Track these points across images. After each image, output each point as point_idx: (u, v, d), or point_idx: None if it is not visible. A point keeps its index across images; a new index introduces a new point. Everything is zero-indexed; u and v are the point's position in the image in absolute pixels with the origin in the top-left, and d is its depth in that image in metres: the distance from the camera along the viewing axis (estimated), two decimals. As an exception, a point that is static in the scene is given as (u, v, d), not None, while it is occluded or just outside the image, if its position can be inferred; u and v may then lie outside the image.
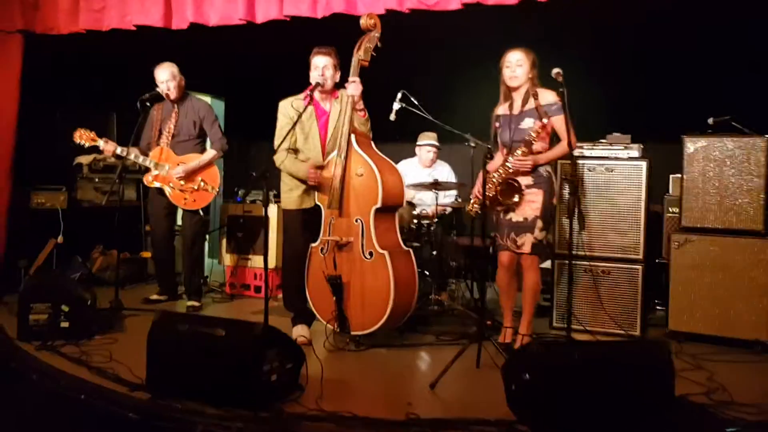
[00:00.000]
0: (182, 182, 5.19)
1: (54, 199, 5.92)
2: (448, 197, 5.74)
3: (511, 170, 4.00)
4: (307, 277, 4.27)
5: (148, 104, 5.09)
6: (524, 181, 4.05)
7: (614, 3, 4.29)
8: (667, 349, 2.98)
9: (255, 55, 7.17)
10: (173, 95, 5.22)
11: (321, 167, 4.16)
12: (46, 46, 5.51)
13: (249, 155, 8.16)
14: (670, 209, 5.40)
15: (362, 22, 4.09)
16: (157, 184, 5.23)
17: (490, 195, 4.01)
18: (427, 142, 5.87)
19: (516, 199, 3.96)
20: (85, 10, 5.12)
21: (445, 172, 5.93)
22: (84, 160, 6.24)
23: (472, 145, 5.15)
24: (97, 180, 6.30)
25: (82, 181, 6.26)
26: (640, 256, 4.66)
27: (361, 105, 4.14)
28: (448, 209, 5.74)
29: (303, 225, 4.31)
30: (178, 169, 5.15)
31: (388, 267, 3.93)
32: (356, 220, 4.06)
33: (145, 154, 5.26)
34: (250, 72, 7.59)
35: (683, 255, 4.55)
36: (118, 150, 5.13)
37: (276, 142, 4.21)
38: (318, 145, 4.27)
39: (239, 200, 6.03)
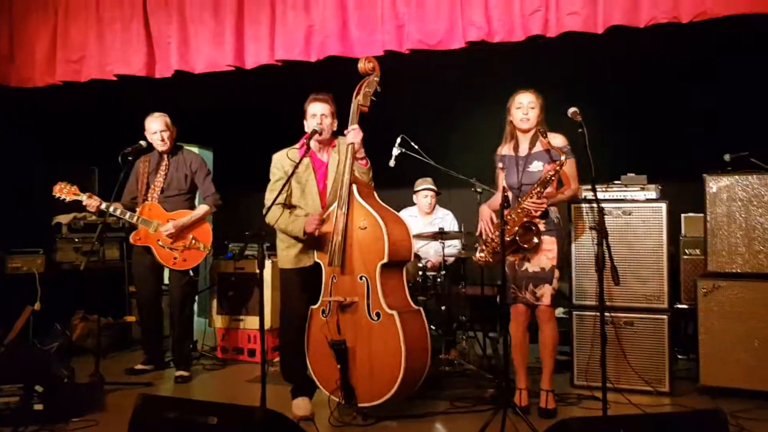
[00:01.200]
0: (171, 240, 4.81)
1: (30, 263, 5.53)
2: (451, 246, 5.40)
3: (526, 213, 3.73)
4: (308, 343, 3.88)
5: (130, 158, 4.74)
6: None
7: (621, 40, 4.05)
8: (723, 421, 2.61)
9: (244, 102, 6.93)
10: (165, 147, 4.90)
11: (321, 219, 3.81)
12: (20, 98, 5.19)
13: (239, 208, 7.80)
14: (687, 251, 5.14)
15: (360, 65, 3.82)
16: (152, 243, 4.86)
17: (507, 239, 3.69)
18: (423, 186, 5.57)
19: (536, 241, 3.72)
20: (63, 61, 4.84)
21: (448, 220, 5.61)
22: (63, 219, 5.87)
23: (479, 190, 4.88)
24: (77, 240, 5.92)
25: (61, 242, 5.88)
26: (665, 305, 4.33)
27: (362, 153, 3.83)
28: (451, 259, 5.39)
29: (302, 285, 3.95)
30: (168, 226, 4.79)
31: (397, 329, 3.56)
32: (360, 278, 3.70)
33: (131, 209, 4.89)
34: (240, 120, 7.32)
35: (712, 302, 4.25)
36: (103, 206, 4.77)
37: (268, 197, 3.87)
38: (317, 198, 3.93)
39: (229, 256, 5.65)
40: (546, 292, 3.78)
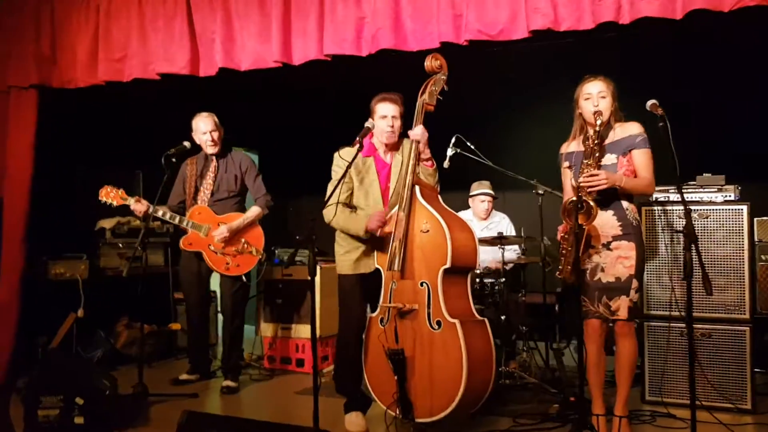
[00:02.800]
0: (223, 245, 4.63)
1: (74, 269, 5.39)
2: (510, 251, 5.11)
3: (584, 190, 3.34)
4: (365, 353, 3.65)
5: (173, 160, 4.56)
6: (610, 231, 3.43)
7: (688, 29, 3.74)
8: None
9: (291, 102, 6.74)
10: (216, 148, 4.75)
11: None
12: (63, 100, 5.07)
13: (286, 213, 7.62)
14: (762, 257, 4.78)
15: (427, 64, 3.61)
16: (203, 248, 4.69)
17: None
18: (480, 191, 5.31)
19: (591, 216, 3.25)
20: (105, 60, 4.67)
21: (504, 224, 5.33)
22: (107, 224, 5.74)
23: (540, 192, 4.60)
24: (121, 245, 5.78)
25: (104, 248, 5.74)
26: (747, 315, 4.00)
27: (427, 153, 3.62)
28: (510, 265, 5.10)
29: (361, 293, 3.74)
30: (222, 229, 4.61)
31: (459, 339, 3.29)
32: (422, 284, 3.45)
33: (179, 213, 4.72)
34: (286, 121, 7.14)
35: (800, 313, 3.88)
36: (151, 209, 4.60)
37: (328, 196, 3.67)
38: (379, 200, 3.73)
39: (277, 263, 5.44)
40: (622, 304, 3.39)
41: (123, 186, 4.84)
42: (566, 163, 3.59)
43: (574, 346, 5.34)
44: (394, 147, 3.78)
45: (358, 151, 3.47)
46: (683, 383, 4.03)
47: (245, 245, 4.68)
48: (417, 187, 3.53)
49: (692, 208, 4.09)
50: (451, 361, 3.31)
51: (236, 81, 4.73)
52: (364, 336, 3.65)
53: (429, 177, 3.64)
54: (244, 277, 4.72)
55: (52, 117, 5.18)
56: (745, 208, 4.01)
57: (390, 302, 3.53)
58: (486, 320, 3.55)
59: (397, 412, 3.45)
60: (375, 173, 3.72)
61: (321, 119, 6.78)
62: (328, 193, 3.56)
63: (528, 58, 5.09)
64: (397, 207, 3.56)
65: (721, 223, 4.05)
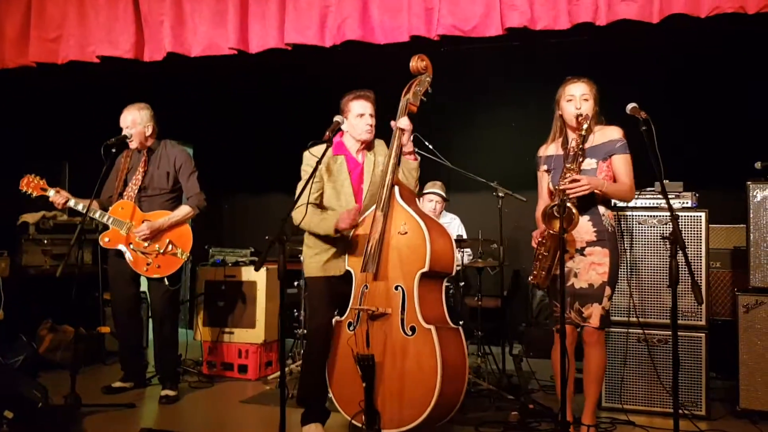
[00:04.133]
0: (146, 243, 4.29)
1: (-7, 267, 4.93)
2: (463, 254, 5.01)
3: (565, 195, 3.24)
4: (332, 359, 3.45)
5: (113, 151, 4.20)
6: (585, 236, 3.36)
7: (661, 37, 3.75)
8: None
9: (233, 94, 6.43)
10: (134, 144, 4.38)
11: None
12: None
13: (222, 210, 7.29)
14: (712, 263, 4.84)
15: (412, 64, 3.49)
16: (122, 245, 4.33)
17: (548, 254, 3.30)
18: (429, 191, 5.17)
19: (573, 223, 3.16)
20: (37, 39, 4.30)
21: (454, 225, 5.23)
22: (30, 218, 5.28)
23: (500, 194, 4.52)
24: (46, 242, 5.33)
25: (27, 244, 5.28)
26: (703, 322, 4.03)
27: (410, 147, 3.47)
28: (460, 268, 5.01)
29: (330, 296, 3.53)
30: (143, 227, 4.26)
31: (434, 346, 3.13)
32: (396, 287, 3.28)
33: (104, 209, 4.36)
34: (224, 115, 6.81)
35: (753, 320, 3.98)
36: (71, 202, 4.22)
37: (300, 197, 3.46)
38: (351, 200, 3.53)
39: (219, 263, 5.15)
40: (594, 312, 3.32)
41: (47, 177, 4.45)
42: (544, 167, 3.50)
43: (520, 350, 5.31)
44: (367, 146, 3.61)
45: (328, 146, 3.27)
46: (640, 389, 4.04)
47: (169, 246, 4.35)
48: (396, 188, 3.38)
49: (651, 214, 4.11)
50: (423, 369, 3.15)
51: (175, 69, 4.45)
52: (332, 340, 3.45)
53: (412, 171, 3.50)
54: (166, 280, 4.34)
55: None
56: (702, 215, 4.04)
57: (361, 304, 3.35)
58: (460, 329, 3.41)
59: (363, 423, 3.27)
60: (347, 172, 3.54)
61: (261, 114, 6.52)
62: (297, 193, 3.35)
63: (490, 59, 5.02)
64: (374, 207, 3.39)
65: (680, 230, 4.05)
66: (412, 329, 3.20)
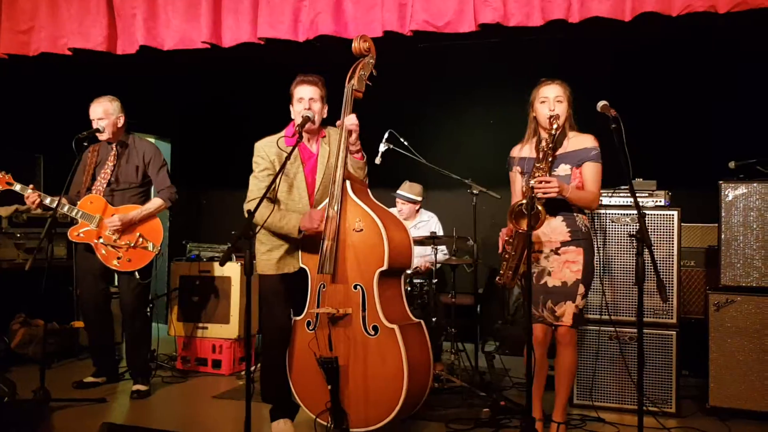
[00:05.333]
0: (116, 237, 4.26)
1: (-37, 261, 4.88)
2: (438, 252, 5.00)
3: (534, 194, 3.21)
4: (290, 360, 3.41)
5: (85, 144, 4.17)
6: (559, 237, 3.36)
7: (636, 34, 3.75)
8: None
9: (210, 89, 6.40)
10: (105, 136, 4.33)
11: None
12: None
13: (200, 205, 7.25)
14: (687, 262, 4.87)
15: (355, 45, 3.35)
16: (86, 238, 4.30)
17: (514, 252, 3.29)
18: (400, 193, 5.14)
19: (539, 221, 3.13)
20: (8, 31, 4.25)
21: (432, 223, 5.21)
22: (3, 212, 5.21)
23: (475, 192, 4.52)
24: (18, 235, 5.27)
25: (0, 237, 5.22)
26: (674, 320, 4.06)
27: (358, 145, 3.36)
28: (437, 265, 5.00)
29: (285, 294, 3.46)
30: (114, 219, 4.22)
31: (399, 345, 3.12)
32: (355, 287, 3.25)
33: (73, 203, 4.32)
34: (203, 110, 6.79)
35: (724, 318, 4.01)
36: (47, 201, 4.18)
37: (252, 191, 3.39)
38: (305, 195, 3.45)
39: (194, 258, 5.12)
40: (567, 310, 3.31)
41: (22, 171, 4.40)
42: (518, 168, 3.48)
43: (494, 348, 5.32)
44: (316, 132, 3.50)
45: (297, 143, 3.24)
46: (611, 387, 4.06)
47: (140, 239, 4.31)
48: (348, 183, 3.30)
49: (624, 212, 4.12)
50: (388, 369, 3.14)
51: (153, 62, 4.40)
52: (290, 340, 3.41)
53: (358, 170, 3.40)
54: (137, 274, 4.31)
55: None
56: (675, 213, 4.05)
57: (318, 306, 3.31)
58: (422, 321, 3.40)
59: (330, 422, 3.25)
60: (300, 164, 3.45)
61: (239, 109, 6.49)
62: (253, 189, 3.31)
63: (466, 57, 5.01)
64: (326, 203, 3.31)
65: (652, 228, 4.07)
66: (375, 329, 3.18)
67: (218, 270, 4.97)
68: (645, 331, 4.00)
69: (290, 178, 3.43)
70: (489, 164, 4.41)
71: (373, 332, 3.20)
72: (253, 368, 4.57)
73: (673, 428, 3.80)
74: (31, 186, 4.23)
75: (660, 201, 4.17)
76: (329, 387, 3.20)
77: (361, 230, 3.26)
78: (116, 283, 4.63)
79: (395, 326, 3.16)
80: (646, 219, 4.05)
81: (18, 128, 5.55)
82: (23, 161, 5.62)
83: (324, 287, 3.32)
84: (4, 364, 4.84)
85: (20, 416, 3.48)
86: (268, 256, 3.47)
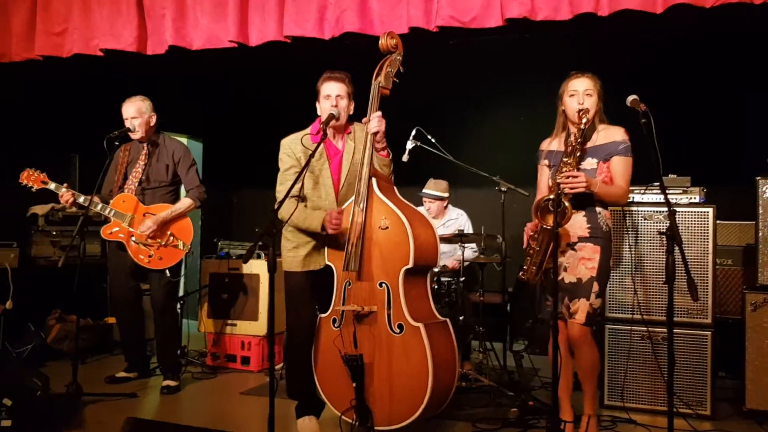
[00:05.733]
0: (146, 236, 4.32)
1: (2, 257, 4.99)
2: (467, 249, 4.95)
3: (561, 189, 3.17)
4: (315, 357, 3.41)
5: (116, 143, 4.23)
6: (578, 231, 3.30)
7: (667, 26, 3.65)
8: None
9: (240, 88, 6.46)
10: (138, 135, 4.40)
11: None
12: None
13: (231, 204, 7.32)
14: (718, 260, 4.74)
15: (382, 42, 3.33)
16: (119, 236, 4.37)
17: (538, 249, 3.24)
18: (426, 191, 5.11)
19: (566, 218, 3.09)
20: (43, 33, 4.33)
21: (461, 221, 5.17)
22: (40, 210, 5.34)
23: (503, 189, 4.46)
24: (55, 233, 5.39)
25: (37, 235, 5.34)
26: (709, 320, 3.94)
27: (383, 143, 3.35)
28: (466, 263, 4.95)
29: (310, 291, 3.47)
30: (148, 223, 4.29)
31: (424, 344, 3.10)
32: (381, 285, 3.23)
33: (106, 201, 4.39)
34: (233, 109, 6.84)
35: (761, 318, 3.89)
36: (80, 199, 4.26)
37: (279, 189, 3.40)
38: (331, 192, 3.45)
39: (223, 255, 5.16)
40: (581, 307, 3.25)
41: (57, 170, 4.48)
42: (545, 161, 3.44)
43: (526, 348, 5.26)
44: (342, 130, 3.50)
45: (322, 140, 3.23)
46: (643, 388, 3.98)
47: (171, 238, 4.37)
48: (374, 180, 3.28)
49: (657, 210, 4.02)
50: (414, 367, 3.11)
51: (183, 63, 4.45)
52: (314, 337, 3.41)
53: (384, 167, 3.38)
54: (168, 272, 4.37)
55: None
56: (710, 210, 3.95)
57: (344, 304, 3.30)
58: (448, 320, 3.37)
59: (354, 419, 3.25)
60: (326, 161, 3.45)
61: (270, 107, 6.52)
62: (279, 188, 3.31)
63: (495, 53, 4.96)
64: (352, 201, 3.30)
65: (686, 225, 3.98)
66: (400, 327, 3.16)
67: (247, 267, 5.00)
68: (679, 331, 3.94)
69: (316, 175, 3.43)
70: (518, 162, 4.36)
71: (398, 330, 3.18)
72: (279, 366, 4.63)
73: (708, 431, 3.71)
74: (65, 185, 4.32)
75: (695, 198, 4.07)
76: (354, 384, 3.19)
77: (387, 228, 3.24)
78: (147, 281, 4.69)
79: (420, 325, 3.13)
80: (680, 216, 3.97)
81: (54, 129, 5.66)
82: (59, 161, 5.72)
83: (349, 285, 3.32)
84: (41, 358, 4.95)
85: (52, 410, 3.56)
86: (294, 253, 3.48)
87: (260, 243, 2.87)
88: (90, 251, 5.47)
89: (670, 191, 4.10)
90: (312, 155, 3.17)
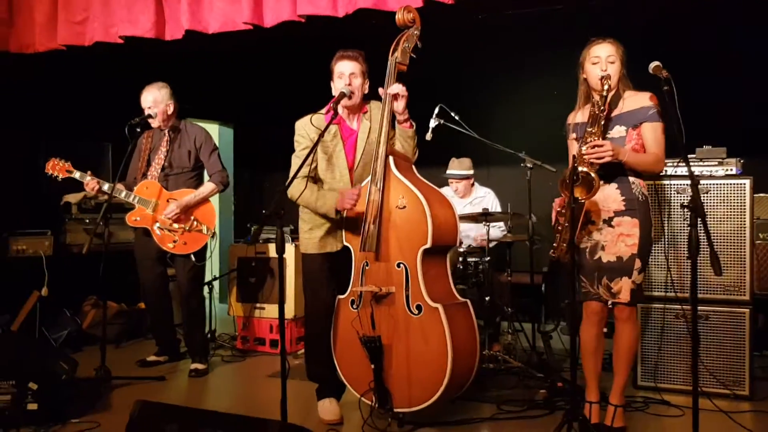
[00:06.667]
0: (170, 221, 4.34)
1: (37, 245, 5.10)
2: (495, 228, 4.86)
3: (585, 159, 3.03)
4: (334, 339, 3.38)
5: (138, 130, 4.25)
6: (612, 205, 3.15)
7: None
8: None
9: (269, 74, 6.44)
10: (156, 123, 4.41)
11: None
12: (24, 65, 4.74)
13: (262, 189, 7.35)
14: (760, 235, 4.56)
15: (398, 17, 3.24)
16: (143, 223, 4.41)
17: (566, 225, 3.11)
18: (450, 172, 5.01)
19: (593, 190, 2.96)
20: (65, 23, 4.36)
21: (489, 199, 5.06)
22: (72, 198, 5.43)
23: (529, 166, 4.35)
24: (88, 221, 5.48)
25: (71, 223, 5.44)
26: (747, 297, 3.77)
27: (405, 114, 3.26)
28: (493, 243, 4.85)
29: (328, 272, 3.44)
30: (171, 207, 4.31)
31: (443, 325, 3.03)
32: (398, 265, 3.17)
33: (130, 189, 4.43)
34: (263, 95, 6.84)
35: (803, 295, 3.67)
36: (105, 187, 4.31)
37: (292, 170, 3.37)
38: (345, 172, 3.39)
39: (249, 240, 5.17)
40: (624, 286, 3.10)
41: (91, 159, 4.54)
42: (573, 135, 3.29)
43: (561, 328, 5.13)
44: (357, 110, 3.43)
45: (333, 119, 3.18)
46: (679, 368, 3.84)
47: (194, 223, 4.38)
48: (391, 158, 3.21)
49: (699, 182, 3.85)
50: (432, 349, 3.05)
51: (211, 48, 4.43)
52: (333, 319, 3.38)
53: (408, 140, 3.30)
54: (193, 257, 4.39)
55: (12, 84, 4.86)
56: (747, 182, 3.76)
57: (362, 285, 3.25)
58: (468, 301, 3.28)
59: (374, 401, 3.21)
60: (340, 141, 3.39)
61: (300, 92, 6.47)
62: (293, 166, 3.27)
63: (517, 25, 4.81)
64: (368, 180, 3.24)
65: (722, 198, 3.80)
66: (419, 308, 3.10)
67: (273, 251, 4.99)
68: (716, 308, 3.80)
69: (329, 156, 3.38)
70: (546, 138, 4.23)
71: (416, 311, 3.12)
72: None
73: (746, 412, 3.56)
74: (89, 172, 4.37)
75: (731, 169, 3.89)
76: (372, 366, 3.15)
77: (404, 207, 3.18)
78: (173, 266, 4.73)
79: (439, 305, 3.06)
80: (716, 189, 3.80)
81: (88, 117, 5.74)
82: (94, 151, 5.82)
83: (367, 265, 3.27)
84: (77, 343, 5.06)
85: (78, 393, 3.61)
86: (310, 235, 3.44)
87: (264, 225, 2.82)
88: (123, 238, 5.54)
89: (705, 163, 3.94)
90: (321, 135, 3.13)
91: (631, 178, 3.15)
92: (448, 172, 5.01)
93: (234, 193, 7.30)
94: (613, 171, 3.12)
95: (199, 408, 3.01)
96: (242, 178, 7.30)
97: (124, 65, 5.39)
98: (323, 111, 3.38)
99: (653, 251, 3.87)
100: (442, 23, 3.89)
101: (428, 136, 4.32)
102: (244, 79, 6.71)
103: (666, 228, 3.85)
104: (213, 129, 7.14)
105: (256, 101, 7.01)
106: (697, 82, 4.95)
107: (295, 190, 3.22)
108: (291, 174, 3.36)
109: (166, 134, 4.46)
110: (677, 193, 3.87)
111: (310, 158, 3.13)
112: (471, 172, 5.00)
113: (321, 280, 3.44)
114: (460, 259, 4.51)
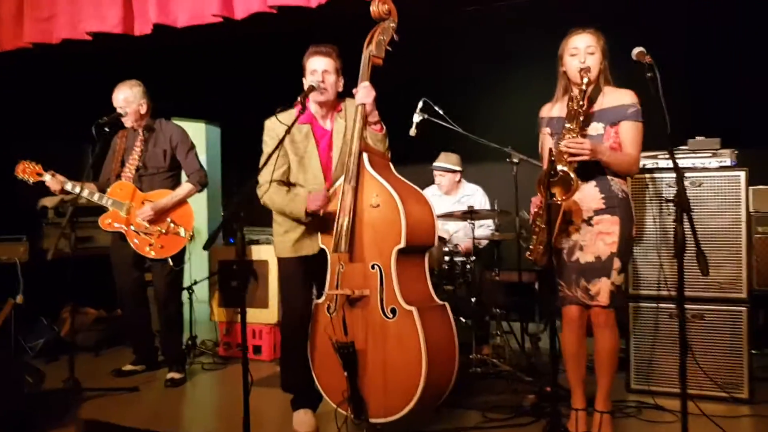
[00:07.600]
0: (147, 224, 4.18)
1: (12, 251, 4.96)
2: (483, 227, 4.69)
3: (563, 157, 2.87)
4: (311, 346, 3.21)
5: (106, 129, 4.09)
6: (592, 204, 2.99)
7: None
8: None
9: (254, 72, 6.29)
10: (129, 122, 4.26)
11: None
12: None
13: (252, 189, 7.17)
14: (759, 229, 4.38)
15: (373, 8, 3.10)
16: (117, 226, 4.24)
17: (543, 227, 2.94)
18: (436, 165, 4.86)
19: (571, 190, 2.81)
20: (31, 20, 4.22)
21: (477, 197, 4.89)
22: (49, 202, 5.29)
23: (515, 161, 4.18)
24: (65, 225, 5.30)
25: (47, 228, 5.29)
26: (743, 295, 3.60)
27: (375, 116, 3.12)
28: (484, 242, 4.68)
29: (304, 277, 3.28)
30: (146, 209, 4.15)
31: (417, 329, 2.86)
32: (373, 267, 3.00)
33: (103, 191, 4.27)
34: (250, 93, 6.67)
35: (803, 292, 3.50)
36: (68, 186, 4.16)
37: (263, 177, 3.21)
38: (319, 174, 3.23)
39: (232, 242, 5.01)
40: (603, 288, 2.94)
41: (69, 162, 4.38)
42: (547, 129, 3.13)
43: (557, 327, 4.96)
44: (331, 108, 3.28)
45: (300, 113, 3.02)
46: (673, 371, 3.64)
47: (171, 225, 4.22)
48: (365, 155, 3.05)
49: (686, 175, 3.68)
50: (407, 355, 2.88)
51: (193, 45, 4.28)
52: (309, 325, 3.21)
53: (378, 143, 3.15)
54: (170, 260, 4.23)
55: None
56: (743, 174, 3.60)
57: (337, 288, 3.08)
58: (446, 305, 3.11)
59: (349, 412, 3.04)
60: (314, 143, 3.23)
61: (287, 91, 6.32)
62: (263, 172, 3.12)
63: (502, 18, 4.64)
64: (342, 179, 3.08)
65: (716, 191, 3.63)
66: (393, 311, 2.93)
67: (255, 253, 4.83)
68: (711, 307, 3.62)
69: (301, 157, 3.22)
70: (532, 133, 4.08)
71: (391, 315, 2.95)
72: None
73: (745, 416, 3.39)
74: (50, 171, 4.20)
75: (725, 161, 3.71)
76: (346, 374, 2.98)
77: (378, 206, 3.01)
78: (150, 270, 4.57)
79: (414, 308, 2.89)
80: (710, 181, 3.63)
81: (65, 119, 5.58)
82: (71, 151, 5.65)
83: (342, 268, 3.10)
84: (54, 352, 4.90)
85: (44, 406, 3.46)
86: (285, 238, 3.29)
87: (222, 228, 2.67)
88: (103, 242, 5.37)
89: (698, 155, 3.76)
90: (290, 128, 2.98)
91: (610, 176, 3.00)
92: (434, 164, 4.87)
93: (222, 194, 7.14)
94: (593, 170, 2.97)
95: (151, 429, 2.84)
96: (230, 178, 7.15)
97: (104, 63, 5.24)
98: (293, 110, 3.21)
99: (645, 248, 3.72)
100: (423, 14, 3.72)
101: (412, 132, 4.17)
102: (229, 77, 6.55)
103: (657, 223, 3.67)
104: (199, 128, 6.99)
105: (243, 99, 6.83)
106: (690, 69, 4.81)
107: (267, 197, 3.06)
108: (260, 179, 3.21)
109: (141, 134, 4.30)
110: (668, 187, 3.70)
111: (276, 154, 2.98)
112: (458, 168, 4.84)
113: (296, 284, 3.28)
114: (446, 258, 4.34)
